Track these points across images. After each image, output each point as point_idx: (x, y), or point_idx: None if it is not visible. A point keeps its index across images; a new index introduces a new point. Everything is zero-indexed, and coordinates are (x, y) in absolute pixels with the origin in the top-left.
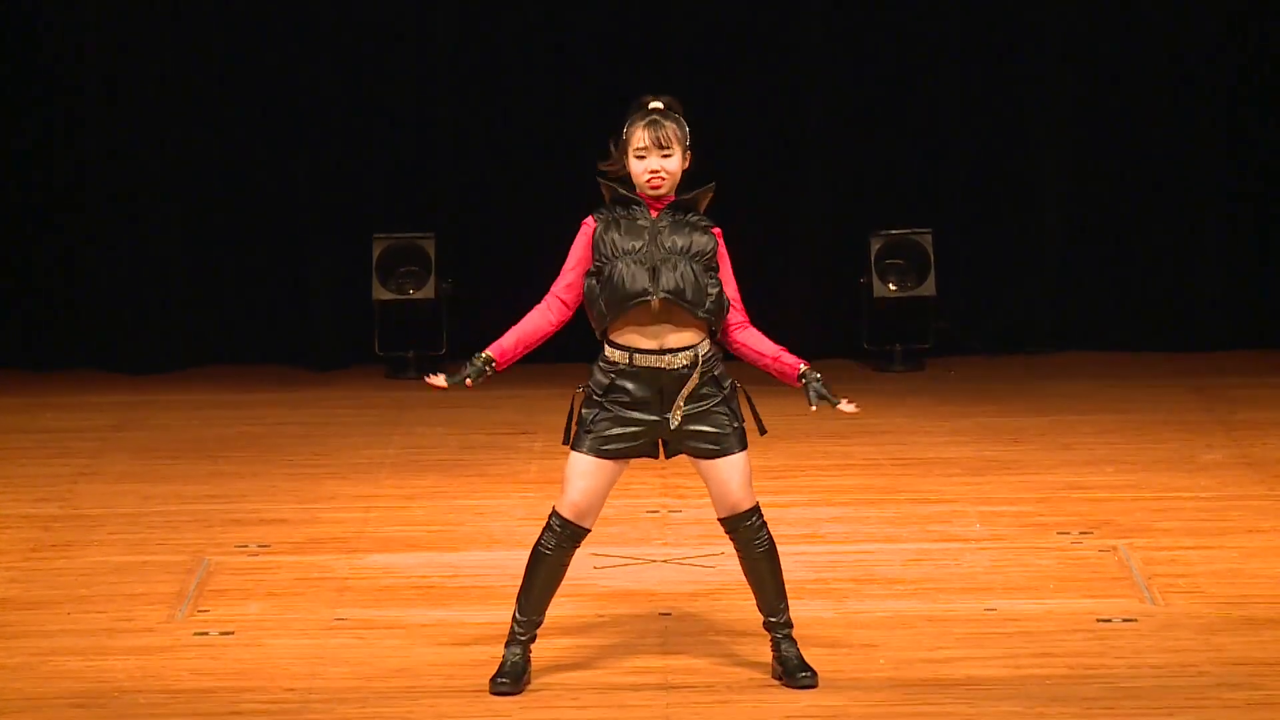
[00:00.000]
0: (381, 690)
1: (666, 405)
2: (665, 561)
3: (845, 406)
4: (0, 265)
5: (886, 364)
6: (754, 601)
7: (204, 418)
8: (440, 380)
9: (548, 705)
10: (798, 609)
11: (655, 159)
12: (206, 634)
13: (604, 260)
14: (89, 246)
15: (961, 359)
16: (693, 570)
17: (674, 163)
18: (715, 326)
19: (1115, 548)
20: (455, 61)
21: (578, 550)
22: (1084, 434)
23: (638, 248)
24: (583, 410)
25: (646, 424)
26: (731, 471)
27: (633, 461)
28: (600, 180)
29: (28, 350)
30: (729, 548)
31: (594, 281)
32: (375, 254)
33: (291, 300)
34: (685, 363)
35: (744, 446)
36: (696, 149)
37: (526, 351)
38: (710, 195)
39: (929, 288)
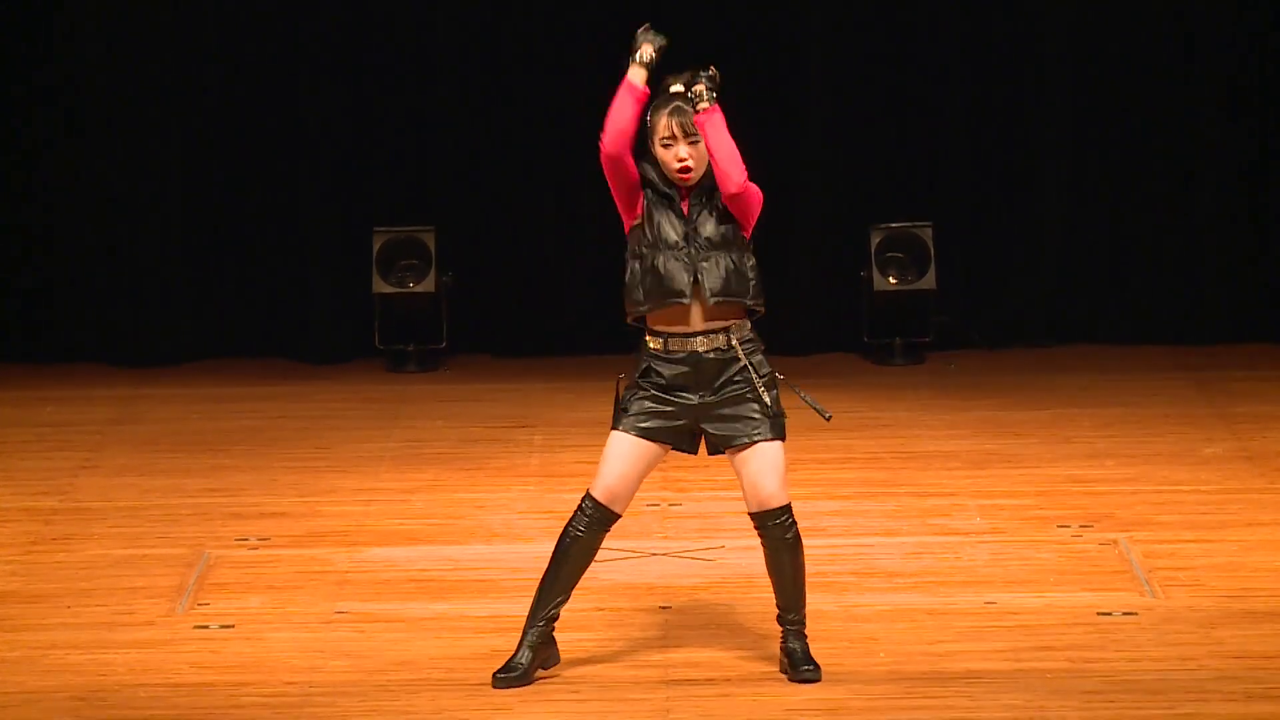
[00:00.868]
0: (382, 683)
1: (704, 387)
2: (666, 555)
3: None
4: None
5: (887, 358)
6: (764, 595)
7: (204, 411)
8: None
9: (547, 699)
10: None
11: (683, 147)
12: (207, 627)
13: (647, 247)
14: (88, 240)
15: (962, 353)
16: (693, 564)
17: (702, 148)
18: (762, 301)
19: (1115, 541)
20: (456, 54)
21: None
22: (1084, 427)
23: (678, 243)
24: (624, 393)
25: (682, 405)
26: (760, 463)
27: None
28: (640, 165)
29: (28, 344)
30: (729, 541)
31: (636, 266)
32: (375, 247)
33: (292, 294)
34: (721, 344)
35: (778, 437)
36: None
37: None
38: None
39: (929, 281)
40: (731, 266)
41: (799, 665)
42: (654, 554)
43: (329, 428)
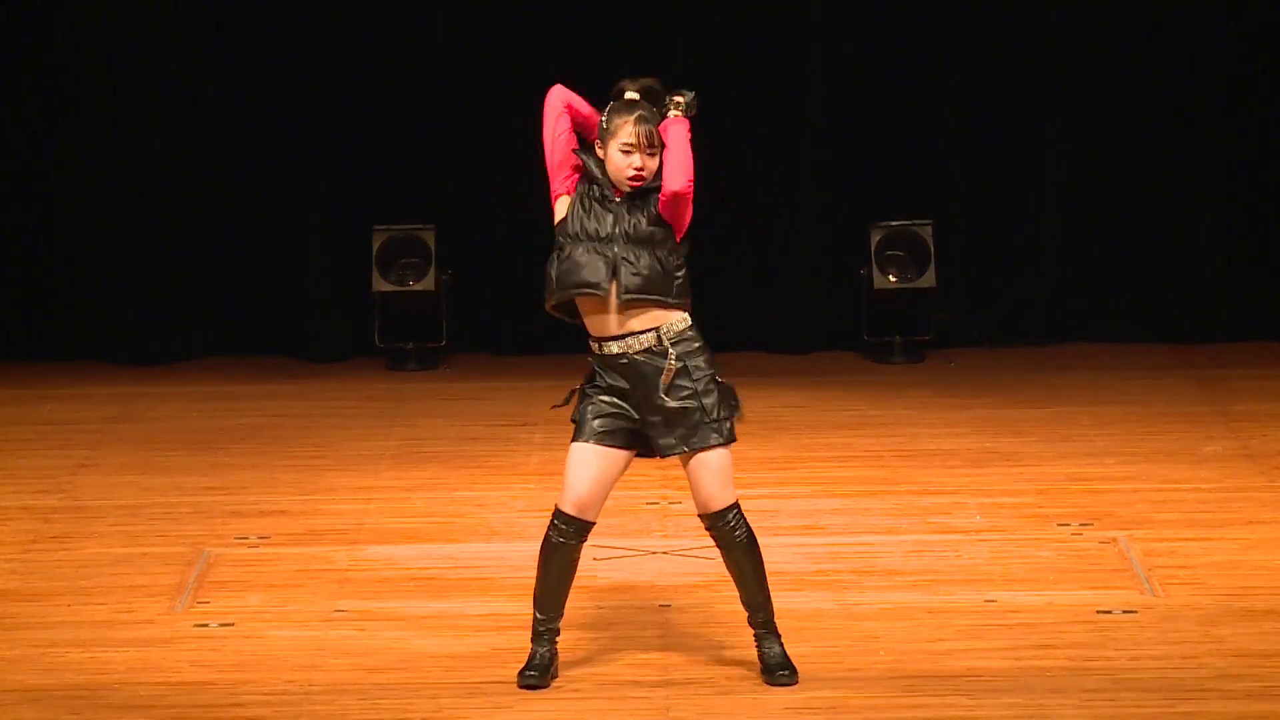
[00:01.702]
0: (381, 682)
1: (644, 391)
2: (665, 554)
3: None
4: (0, 257)
5: (887, 356)
6: None
7: (204, 409)
8: None
9: (548, 697)
10: (798, 600)
11: (641, 157)
12: (206, 626)
13: (569, 238)
14: (88, 238)
15: (962, 351)
16: (693, 562)
17: (656, 161)
18: (687, 302)
19: (1115, 539)
20: (455, 52)
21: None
22: (1084, 425)
23: (600, 233)
24: (576, 406)
25: (625, 408)
26: (700, 469)
27: (635, 460)
28: (580, 154)
29: (28, 342)
30: None
31: (555, 255)
32: (375, 245)
33: (291, 292)
34: (650, 344)
35: (723, 440)
36: (697, 136)
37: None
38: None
39: (929, 279)
40: (656, 265)
41: (774, 670)
42: (653, 552)
43: (329, 426)
